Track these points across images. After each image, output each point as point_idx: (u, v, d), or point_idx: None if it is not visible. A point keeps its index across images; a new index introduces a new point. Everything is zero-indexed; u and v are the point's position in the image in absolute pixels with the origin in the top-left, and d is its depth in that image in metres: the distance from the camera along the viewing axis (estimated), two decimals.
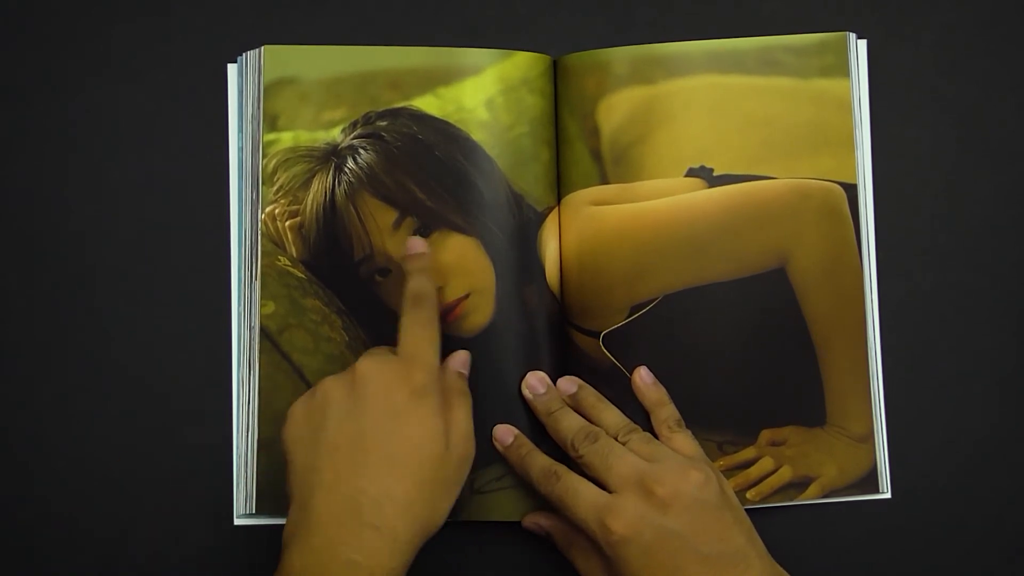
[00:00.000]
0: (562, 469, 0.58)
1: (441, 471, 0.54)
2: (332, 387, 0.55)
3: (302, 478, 0.54)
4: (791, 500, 0.63)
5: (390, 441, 0.54)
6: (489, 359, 0.62)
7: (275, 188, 0.63)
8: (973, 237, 0.66)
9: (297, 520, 0.53)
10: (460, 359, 0.60)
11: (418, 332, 0.57)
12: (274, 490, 0.62)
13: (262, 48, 0.64)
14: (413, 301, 0.58)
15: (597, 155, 0.64)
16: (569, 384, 0.62)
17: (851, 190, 0.63)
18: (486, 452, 0.62)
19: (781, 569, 0.56)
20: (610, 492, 0.56)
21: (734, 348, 0.63)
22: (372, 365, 0.55)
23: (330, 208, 0.63)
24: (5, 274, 0.64)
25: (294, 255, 0.63)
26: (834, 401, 0.63)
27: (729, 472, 0.62)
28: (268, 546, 0.63)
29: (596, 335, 0.63)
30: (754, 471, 0.63)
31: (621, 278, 0.63)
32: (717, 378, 0.63)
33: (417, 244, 0.61)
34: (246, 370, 0.63)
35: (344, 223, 0.63)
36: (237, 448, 0.63)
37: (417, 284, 0.59)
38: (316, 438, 0.54)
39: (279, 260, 0.63)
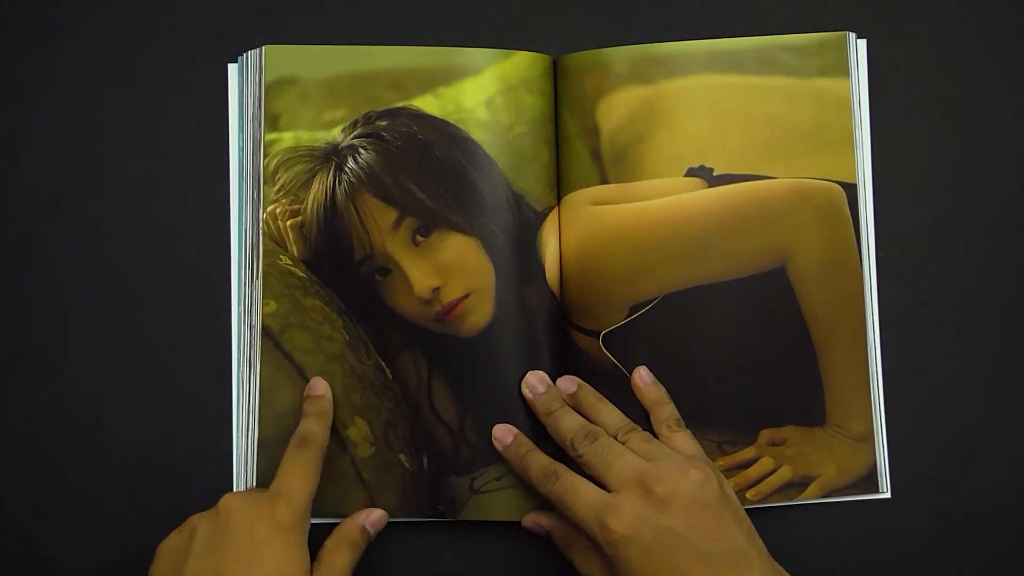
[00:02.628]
0: (562, 468, 0.58)
1: None
2: (197, 522, 0.56)
3: None
4: (791, 500, 0.63)
5: (250, 574, 0.54)
6: (489, 359, 0.62)
7: (276, 188, 0.63)
8: (973, 237, 0.66)
9: None
10: (374, 517, 0.60)
11: (293, 472, 0.57)
12: None
13: (263, 48, 0.64)
14: (298, 443, 0.59)
15: (597, 155, 0.64)
16: (569, 383, 0.62)
17: (851, 190, 0.63)
18: (486, 452, 0.62)
19: (781, 568, 0.56)
20: (610, 491, 0.56)
21: (734, 348, 0.63)
22: (237, 500, 0.56)
23: (331, 208, 0.63)
24: (5, 274, 0.64)
25: (295, 254, 0.63)
26: (834, 401, 0.63)
27: (729, 472, 0.62)
28: None
29: (596, 335, 0.63)
30: (754, 471, 0.63)
31: (621, 278, 0.63)
32: (717, 378, 0.63)
33: (318, 386, 0.61)
34: (246, 370, 0.63)
35: (344, 223, 0.63)
36: (237, 448, 0.63)
37: (308, 427, 0.60)
38: (178, 574, 0.55)
39: (280, 259, 0.63)
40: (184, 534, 0.56)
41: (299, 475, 0.57)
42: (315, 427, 0.60)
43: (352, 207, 0.63)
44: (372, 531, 0.60)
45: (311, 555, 0.57)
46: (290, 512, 0.56)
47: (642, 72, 0.63)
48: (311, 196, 0.63)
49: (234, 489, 0.63)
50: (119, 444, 0.64)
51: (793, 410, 0.63)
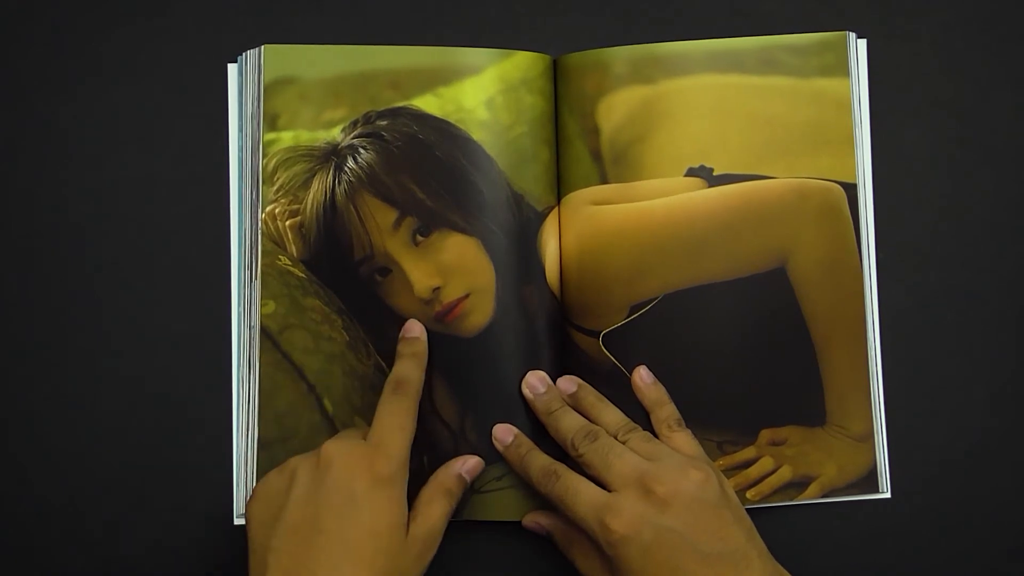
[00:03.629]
0: (562, 468, 0.58)
1: (396, 561, 0.54)
2: (299, 466, 0.55)
3: (260, 557, 0.54)
4: (791, 500, 0.63)
5: (348, 527, 0.53)
6: (489, 359, 0.62)
7: (275, 187, 0.63)
8: (973, 237, 0.66)
9: None
10: (470, 465, 0.60)
11: (391, 421, 0.57)
12: None
13: (262, 48, 0.64)
14: (394, 387, 0.58)
15: (597, 155, 0.64)
16: (569, 383, 0.62)
17: (851, 190, 0.63)
18: (486, 452, 0.62)
19: (782, 568, 0.55)
20: (610, 491, 0.56)
21: (734, 348, 0.63)
22: (338, 448, 0.55)
23: (330, 208, 0.63)
24: (5, 274, 0.64)
25: (294, 255, 0.63)
26: (834, 401, 0.63)
27: (729, 472, 0.62)
28: None
29: (596, 335, 0.63)
30: (754, 471, 0.63)
31: (621, 278, 0.63)
32: (717, 378, 0.63)
33: (413, 328, 0.61)
34: (246, 370, 0.63)
35: (344, 223, 0.63)
36: (237, 448, 0.63)
37: (403, 370, 0.59)
38: (276, 518, 0.54)
39: (279, 260, 0.63)
40: (284, 476, 0.55)
41: (396, 424, 0.56)
42: (411, 369, 0.59)
43: (352, 207, 0.63)
44: (468, 479, 0.59)
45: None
46: (389, 465, 0.55)
47: (642, 72, 0.63)
48: (310, 196, 0.63)
49: (234, 489, 0.63)
50: (119, 444, 0.64)
51: (793, 410, 0.63)
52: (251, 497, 0.56)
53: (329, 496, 0.54)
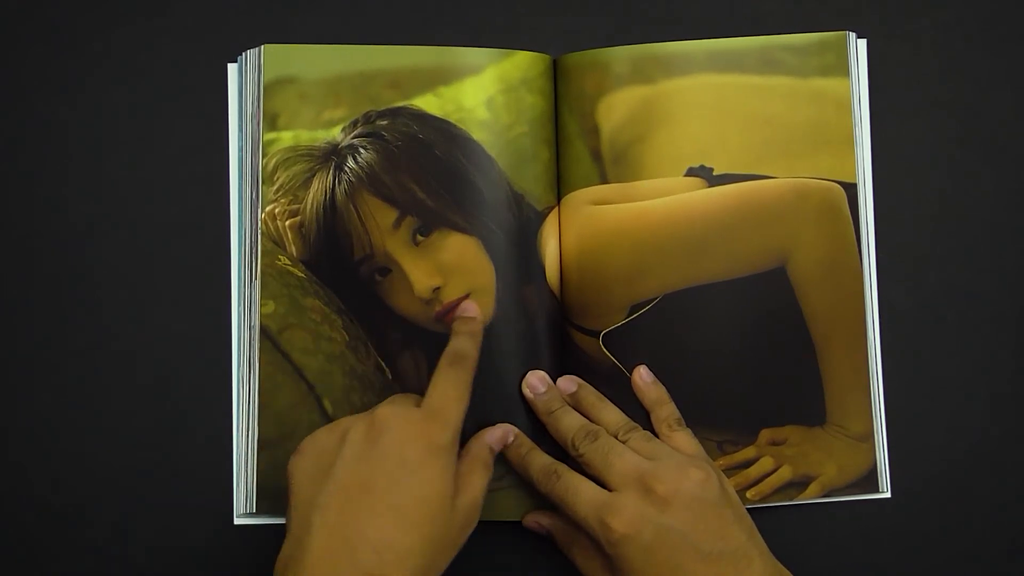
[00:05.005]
0: (562, 468, 0.58)
1: (444, 530, 0.54)
2: (351, 426, 0.55)
3: (303, 513, 0.53)
4: (791, 499, 0.63)
5: (398, 492, 0.53)
6: (489, 359, 0.62)
7: (275, 187, 0.63)
8: (973, 236, 0.66)
9: (291, 555, 0.53)
10: (498, 434, 0.59)
11: (448, 391, 0.56)
12: (274, 490, 0.62)
13: (262, 47, 0.64)
14: (452, 359, 0.58)
15: (597, 154, 0.64)
16: (569, 383, 0.62)
17: (851, 189, 0.63)
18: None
19: (782, 567, 0.56)
20: (610, 491, 0.56)
21: (734, 347, 0.63)
22: (393, 413, 0.54)
23: (330, 207, 0.63)
24: (5, 274, 0.64)
25: (294, 254, 0.63)
26: (834, 400, 0.63)
27: (729, 471, 0.62)
28: (268, 546, 0.62)
29: (596, 334, 0.63)
30: (754, 470, 0.63)
31: (621, 277, 0.63)
32: (717, 377, 0.63)
33: (469, 307, 0.61)
34: (246, 370, 0.63)
35: (344, 222, 0.63)
36: (237, 448, 0.63)
37: (461, 344, 0.59)
38: (325, 474, 0.53)
39: (279, 259, 0.63)
40: (335, 434, 0.55)
41: (454, 394, 0.56)
42: (468, 345, 0.59)
43: (352, 207, 0.63)
44: (497, 449, 0.59)
45: None
46: (446, 434, 0.54)
47: (642, 72, 0.63)
48: (310, 196, 0.63)
49: (234, 489, 0.63)
50: (119, 444, 0.64)
51: (793, 410, 0.63)
52: (296, 453, 0.55)
53: (383, 459, 0.53)
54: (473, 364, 0.58)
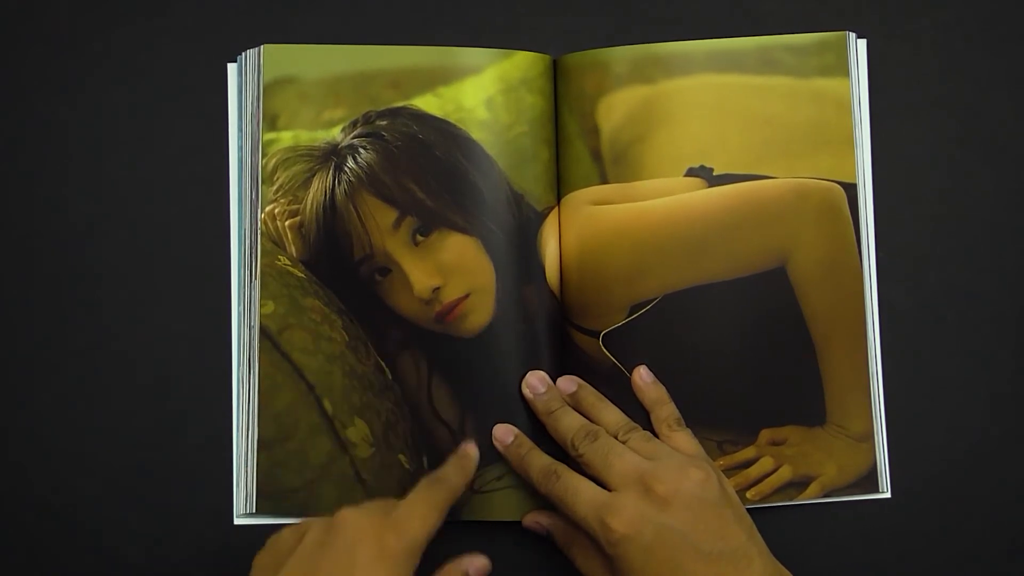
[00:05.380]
0: (562, 468, 0.58)
1: None
2: (311, 525, 0.55)
3: None
4: (791, 499, 0.63)
5: None
6: (489, 359, 0.62)
7: (275, 187, 0.63)
8: (973, 236, 0.66)
9: None
10: (477, 565, 0.58)
11: (417, 505, 0.55)
12: (274, 490, 0.62)
13: (262, 47, 0.64)
14: (432, 479, 0.58)
15: (597, 155, 0.64)
16: (569, 383, 0.62)
17: (851, 189, 0.63)
18: (486, 452, 0.62)
19: (782, 567, 0.55)
20: (610, 491, 0.56)
21: (734, 348, 0.63)
22: (354, 514, 0.54)
23: (330, 207, 0.63)
24: (5, 274, 0.64)
25: (294, 255, 0.63)
26: (834, 400, 0.63)
27: (729, 471, 0.62)
28: None
29: (596, 335, 0.63)
30: (754, 470, 0.63)
31: (621, 278, 0.63)
32: (717, 378, 0.63)
33: (471, 450, 0.61)
34: (246, 370, 0.63)
35: (344, 222, 0.63)
36: (237, 448, 0.63)
37: (446, 470, 0.59)
38: (275, 571, 0.53)
39: (279, 260, 0.63)
40: (297, 532, 0.55)
41: (422, 510, 0.55)
42: (453, 473, 0.59)
43: (352, 207, 0.63)
44: None
45: None
46: (399, 542, 0.53)
47: (642, 72, 0.63)
48: (310, 196, 0.63)
49: (234, 489, 0.63)
50: (119, 444, 0.64)
51: (793, 410, 0.63)
52: (262, 548, 0.55)
53: (330, 558, 0.52)
54: (452, 491, 0.58)
